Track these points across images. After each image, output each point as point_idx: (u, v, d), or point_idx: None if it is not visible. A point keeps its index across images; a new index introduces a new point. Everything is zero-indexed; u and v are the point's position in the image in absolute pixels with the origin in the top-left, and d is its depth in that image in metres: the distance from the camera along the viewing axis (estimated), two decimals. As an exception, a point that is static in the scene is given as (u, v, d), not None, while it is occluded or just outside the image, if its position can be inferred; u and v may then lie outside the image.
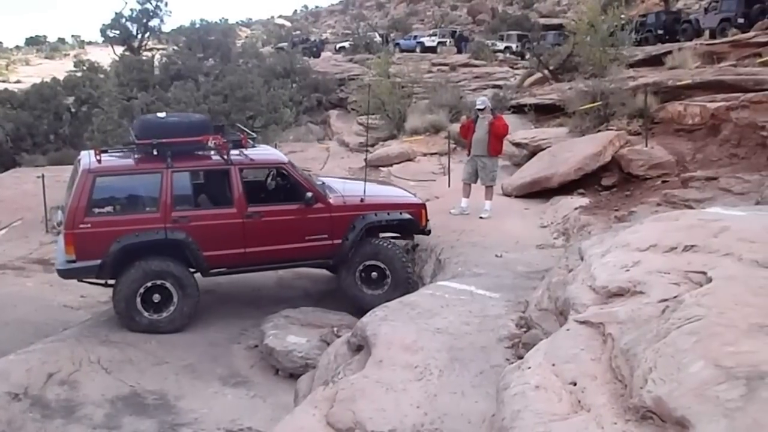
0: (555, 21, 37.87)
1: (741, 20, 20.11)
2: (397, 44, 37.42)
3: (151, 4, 25.95)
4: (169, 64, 21.78)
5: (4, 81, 44.66)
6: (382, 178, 11.69)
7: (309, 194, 7.00)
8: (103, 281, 6.98)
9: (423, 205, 7.87)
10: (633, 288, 3.09)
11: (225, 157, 6.89)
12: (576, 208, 8.48)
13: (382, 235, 7.60)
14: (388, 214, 7.47)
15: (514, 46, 34.81)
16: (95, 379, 5.68)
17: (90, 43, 76.80)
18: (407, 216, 7.54)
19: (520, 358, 3.24)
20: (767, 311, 2.39)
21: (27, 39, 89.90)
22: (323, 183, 7.71)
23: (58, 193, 10.04)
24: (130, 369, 5.91)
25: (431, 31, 42.05)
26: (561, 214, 8.59)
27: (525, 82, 20.64)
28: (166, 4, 26.25)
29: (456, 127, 11.79)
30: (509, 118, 11.79)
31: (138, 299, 6.55)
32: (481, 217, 8.84)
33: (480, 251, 7.52)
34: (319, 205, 7.09)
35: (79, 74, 27.92)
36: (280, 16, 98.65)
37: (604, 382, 2.54)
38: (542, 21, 41.40)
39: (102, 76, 25.72)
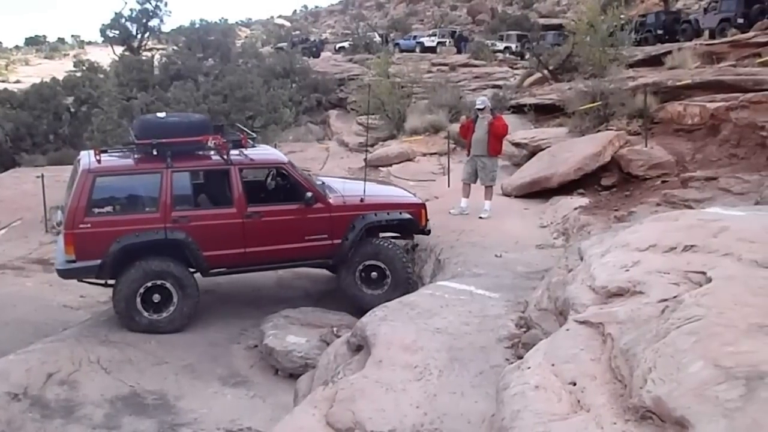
0: (554, 21, 37.89)
1: (740, 20, 20.12)
2: (397, 44, 37.42)
3: (150, 4, 25.99)
4: (168, 64, 21.79)
5: (3, 81, 44.64)
6: (381, 178, 11.69)
7: (309, 194, 7.00)
8: (102, 281, 6.98)
9: (423, 205, 7.87)
10: (632, 288, 3.09)
11: (225, 157, 6.89)
12: (576, 208, 8.49)
13: (382, 234, 7.60)
14: (388, 214, 7.47)
15: (513, 46, 34.81)
16: (95, 379, 5.68)
17: (90, 43, 76.80)
18: (407, 216, 7.54)
19: (520, 358, 3.24)
20: (767, 311, 2.39)
21: (26, 39, 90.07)
22: (323, 183, 7.71)
23: (58, 193, 10.04)
24: (129, 369, 5.91)
25: (431, 31, 42.08)
26: (561, 214, 8.59)
27: (524, 82, 20.64)
28: (166, 4, 26.32)
29: (455, 127, 11.79)
30: (509, 118, 11.79)
31: (138, 299, 6.55)
32: (480, 217, 8.84)
33: (480, 251, 7.52)
34: (318, 205, 7.09)
35: (78, 74, 27.90)
36: (279, 16, 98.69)
37: (604, 382, 2.54)
38: (542, 21, 41.41)
39: (102, 76, 25.70)
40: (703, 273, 2.93)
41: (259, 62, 25.64)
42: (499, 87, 20.65)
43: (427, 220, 7.78)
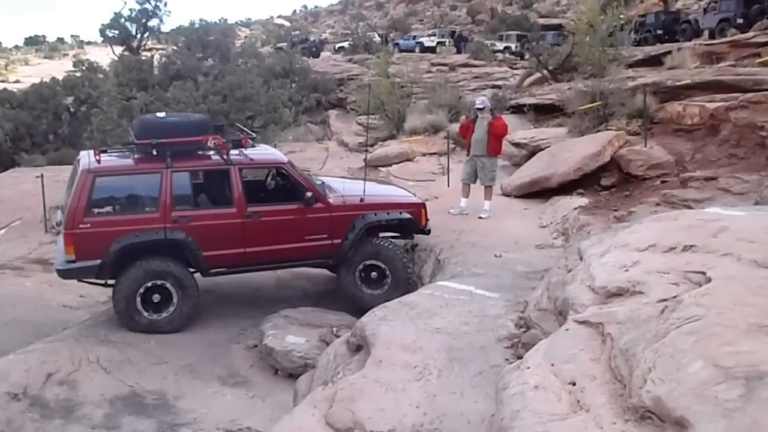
0: (554, 21, 37.94)
1: (740, 20, 20.15)
2: (397, 44, 37.45)
3: (150, 4, 25.95)
4: (168, 64, 21.77)
5: (3, 81, 44.59)
6: (381, 178, 11.69)
7: (309, 194, 7.00)
8: (102, 281, 6.98)
9: (423, 205, 7.87)
10: (632, 288, 3.09)
11: (225, 157, 6.89)
12: (575, 208, 8.49)
13: (382, 234, 7.60)
14: (388, 213, 7.47)
15: (513, 46, 34.81)
16: (94, 379, 5.68)
17: (89, 43, 76.75)
18: (407, 215, 7.54)
19: (520, 358, 3.24)
20: (766, 311, 2.39)
21: (26, 39, 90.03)
22: (323, 183, 7.71)
23: (57, 193, 10.04)
24: (129, 369, 5.91)
25: (430, 31, 42.11)
26: (560, 214, 8.60)
27: (524, 82, 20.65)
28: (165, 4, 26.26)
29: (455, 127, 11.79)
30: (508, 118, 11.79)
31: (138, 299, 6.55)
32: (480, 217, 8.84)
33: (479, 251, 7.52)
34: (318, 204, 7.09)
35: (78, 74, 27.88)
36: (279, 16, 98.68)
37: (604, 382, 2.54)
38: (541, 21, 41.44)
39: (101, 76, 25.66)
40: (703, 273, 2.93)
41: (258, 62, 25.62)
42: (498, 87, 20.65)
43: (427, 219, 7.78)
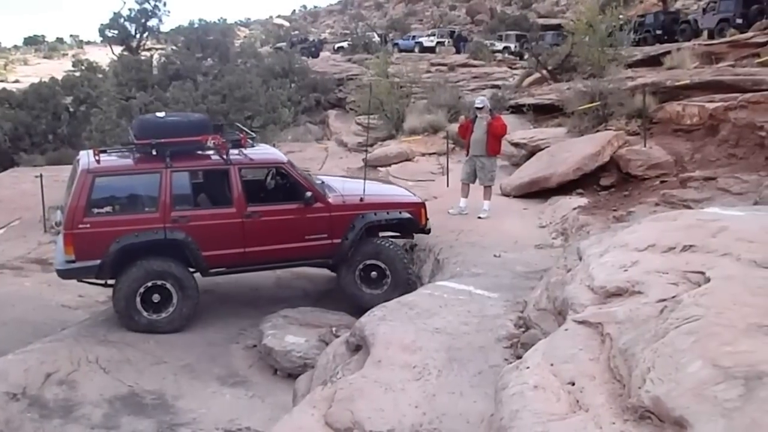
0: (553, 21, 37.96)
1: (739, 20, 20.16)
2: (396, 44, 37.48)
3: (149, 3, 25.90)
4: (167, 64, 21.74)
5: (2, 81, 44.57)
6: (380, 178, 11.68)
7: (308, 194, 6.99)
8: (102, 281, 6.97)
9: (422, 204, 7.87)
10: (631, 288, 3.09)
11: (224, 156, 6.89)
12: (574, 208, 8.49)
13: (381, 234, 7.60)
14: (388, 213, 7.46)
15: (512, 46, 34.84)
16: (93, 378, 5.67)
17: (88, 42, 76.72)
18: (407, 215, 7.53)
19: (519, 358, 3.24)
20: (765, 311, 2.39)
21: (25, 39, 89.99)
22: (322, 182, 7.71)
23: (57, 193, 10.03)
24: (128, 369, 5.90)
25: (430, 31, 42.13)
26: (559, 214, 8.60)
27: (523, 82, 20.66)
28: (165, 4, 26.22)
29: (454, 127, 11.77)
30: (508, 118, 11.80)
31: (138, 299, 6.55)
32: (479, 217, 8.84)
33: (478, 251, 7.53)
34: (318, 204, 7.09)
35: (77, 74, 27.91)
36: (278, 16, 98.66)
37: (603, 381, 2.54)
38: (541, 21, 41.48)
39: (100, 75, 25.70)
40: (702, 273, 2.93)
41: (257, 62, 25.61)
42: (497, 87, 20.68)
43: (426, 219, 7.78)
